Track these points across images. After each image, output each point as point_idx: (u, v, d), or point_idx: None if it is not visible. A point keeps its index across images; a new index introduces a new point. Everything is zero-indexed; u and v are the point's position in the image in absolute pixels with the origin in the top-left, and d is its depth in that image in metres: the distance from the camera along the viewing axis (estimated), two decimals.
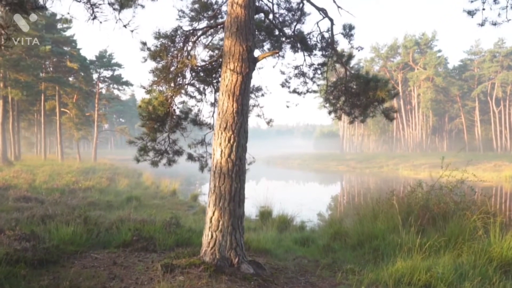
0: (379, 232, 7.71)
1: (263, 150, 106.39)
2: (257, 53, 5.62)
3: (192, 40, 6.20)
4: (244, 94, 5.16)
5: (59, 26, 35.75)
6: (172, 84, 6.46)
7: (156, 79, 6.06)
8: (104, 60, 43.73)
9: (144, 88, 6.08)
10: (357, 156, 68.97)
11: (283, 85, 7.91)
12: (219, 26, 6.23)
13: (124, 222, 7.99)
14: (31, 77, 29.66)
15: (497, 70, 65.90)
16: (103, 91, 49.60)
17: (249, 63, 5.20)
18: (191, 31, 6.06)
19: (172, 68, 6.20)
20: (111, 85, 47.62)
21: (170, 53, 5.96)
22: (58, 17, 33.99)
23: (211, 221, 5.05)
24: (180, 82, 6.52)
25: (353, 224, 9.02)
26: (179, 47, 6.00)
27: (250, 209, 13.60)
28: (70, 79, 40.48)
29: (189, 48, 6.19)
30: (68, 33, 38.07)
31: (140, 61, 5.96)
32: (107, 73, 44.83)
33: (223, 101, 5.14)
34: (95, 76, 44.02)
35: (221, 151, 5.05)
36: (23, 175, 19.06)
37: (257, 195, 13.95)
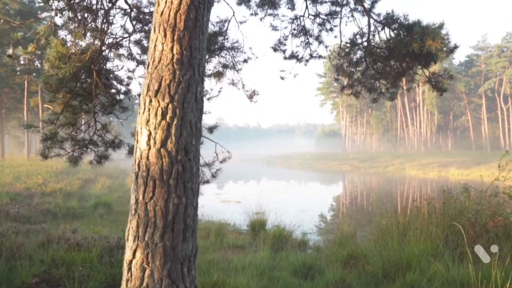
0: (413, 258, 5.55)
1: (263, 149, 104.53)
2: None
3: None
4: (195, 29, 2.75)
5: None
6: (99, 36, 4.05)
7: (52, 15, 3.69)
8: None
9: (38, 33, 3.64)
10: (360, 155, 66.89)
11: (275, 49, 5.47)
12: None
13: (51, 245, 5.64)
14: (3, 68, 27.11)
15: (505, 65, 63.47)
16: None
17: None
18: None
19: (94, 6, 3.80)
20: None
21: None
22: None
23: (130, 269, 2.65)
24: (111, 32, 4.12)
25: (372, 242, 6.76)
26: None
27: (240, 217, 11.24)
28: None
29: None
30: None
31: None
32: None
33: (155, 42, 2.74)
34: None
35: (149, 134, 2.65)
36: None
37: (252, 198, 11.58)
